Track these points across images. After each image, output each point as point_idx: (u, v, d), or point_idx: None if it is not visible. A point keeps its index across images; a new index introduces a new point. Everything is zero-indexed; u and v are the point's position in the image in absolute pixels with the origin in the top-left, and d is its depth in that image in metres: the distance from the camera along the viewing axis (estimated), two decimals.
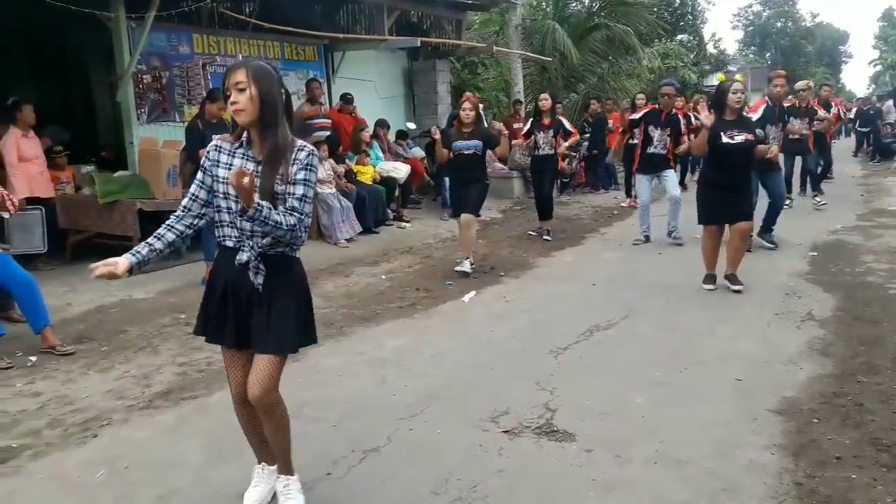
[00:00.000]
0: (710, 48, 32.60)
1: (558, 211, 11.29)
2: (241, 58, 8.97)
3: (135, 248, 2.66)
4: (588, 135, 13.80)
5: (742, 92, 5.94)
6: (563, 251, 8.35)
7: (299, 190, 2.57)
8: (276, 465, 2.93)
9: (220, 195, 2.63)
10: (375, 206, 9.22)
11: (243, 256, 2.59)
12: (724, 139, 5.83)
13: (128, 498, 3.04)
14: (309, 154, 2.60)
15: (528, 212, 11.33)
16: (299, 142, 2.63)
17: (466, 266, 7.04)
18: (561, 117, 9.14)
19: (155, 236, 2.67)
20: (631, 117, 8.59)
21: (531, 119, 9.23)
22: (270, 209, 2.47)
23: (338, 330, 5.35)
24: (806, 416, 3.67)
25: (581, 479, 3.13)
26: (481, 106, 12.91)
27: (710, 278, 6.23)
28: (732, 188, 5.95)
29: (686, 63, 26.00)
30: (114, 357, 4.82)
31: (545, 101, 8.84)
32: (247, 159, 2.60)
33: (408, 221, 9.85)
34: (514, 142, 12.42)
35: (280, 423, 2.78)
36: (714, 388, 4.07)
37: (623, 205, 11.67)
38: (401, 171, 9.94)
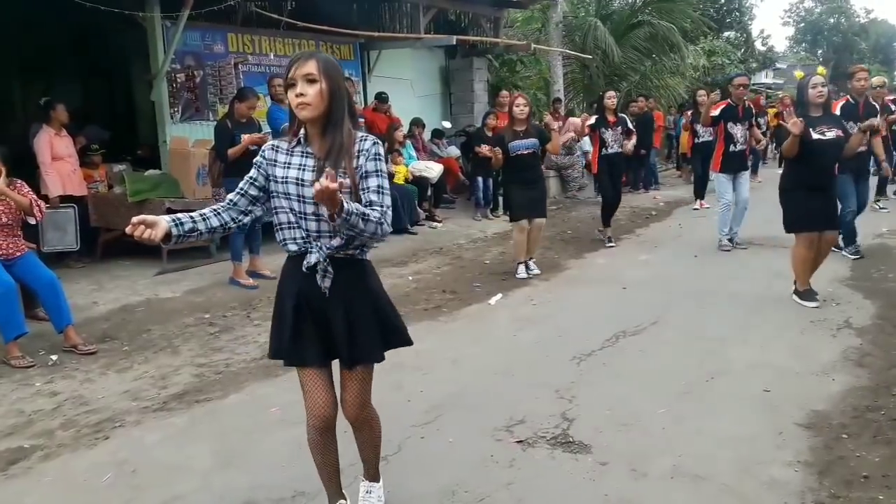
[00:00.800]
0: (759, 45, 31.84)
1: (594, 211, 11.13)
2: (272, 56, 9.02)
3: (178, 216, 2.40)
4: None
5: (822, 85, 5.49)
6: (596, 253, 8.19)
7: (373, 182, 2.39)
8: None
9: (280, 195, 2.45)
10: (407, 206, 9.15)
11: (312, 259, 2.42)
12: (815, 135, 5.41)
13: (131, 503, 3.01)
14: (374, 143, 2.43)
15: (562, 212, 11.21)
16: (360, 133, 2.46)
17: (534, 268, 7.01)
18: (623, 115, 8.84)
19: (200, 215, 2.44)
20: (711, 114, 8.13)
21: (595, 117, 8.90)
22: (357, 209, 2.27)
23: None
24: (835, 430, 3.48)
25: (593, 494, 3.01)
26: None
27: (811, 294, 5.66)
28: (823, 190, 5.52)
29: (733, 60, 25.40)
30: (134, 357, 4.85)
31: (611, 98, 8.55)
32: (306, 156, 2.42)
33: (439, 221, 9.78)
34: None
35: (371, 433, 2.74)
36: (740, 400, 3.90)
37: (695, 207, 11.27)
38: (433, 170, 9.86)
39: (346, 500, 2.78)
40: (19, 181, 5.01)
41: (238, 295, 6.30)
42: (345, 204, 2.21)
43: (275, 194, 2.48)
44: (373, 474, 2.85)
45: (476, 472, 3.21)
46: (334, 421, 2.59)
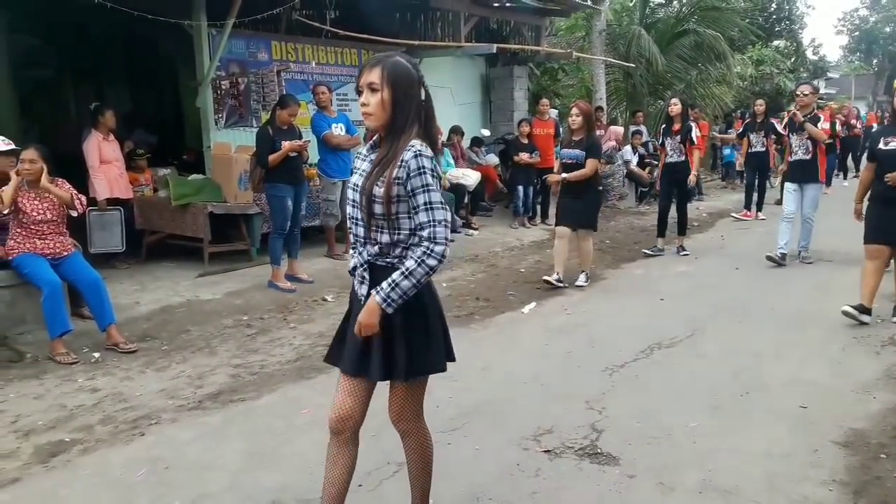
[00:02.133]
0: (810, 54, 31.19)
1: (633, 221, 11.05)
2: (314, 65, 9.15)
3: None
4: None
5: None
6: (634, 263, 8.12)
7: (420, 199, 2.29)
8: None
9: (348, 200, 2.48)
10: None
11: (351, 263, 2.48)
12: (881, 145, 5.42)
13: (163, 499, 3.09)
14: (416, 155, 2.29)
15: (602, 221, 11.00)
16: (412, 142, 2.33)
17: (583, 281, 6.97)
18: (691, 122, 8.61)
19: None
20: (782, 128, 8.04)
21: (662, 126, 8.88)
22: (392, 283, 2.28)
23: None
24: (874, 450, 3.40)
25: None
26: (555, 113, 12.86)
27: (866, 310, 5.44)
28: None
29: (782, 70, 24.92)
30: (172, 356, 4.97)
31: (674, 105, 8.42)
32: (369, 163, 2.42)
33: (476, 229, 9.80)
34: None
35: (416, 450, 2.64)
36: (774, 416, 3.83)
37: (735, 215, 11.20)
38: (470, 177, 9.90)
39: None
40: (59, 179, 5.18)
41: (276, 298, 6.40)
42: (385, 307, 2.29)
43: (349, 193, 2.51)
44: (420, 500, 2.72)
45: (501, 480, 3.22)
46: (349, 431, 2.51)
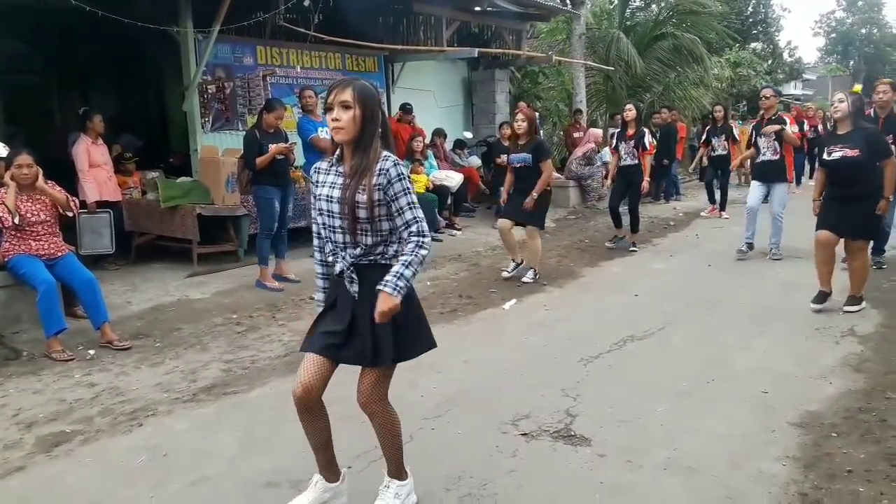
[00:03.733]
0: (786, 56, 31.71)
1: (612, 222, 11.30)
2: (299, 69, 9.34)
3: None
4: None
5: (840, 101, 5.74)
6: (612, 262, 8.36)
7: (403, 201, 2.63)
8: (335, 483, 2.97)
9: (317, 210, 2.77)
10: (427, 214, 9.37)
11: (337, 267, 2.73)
12: (824, 154, 5.80)
13: (164, 483, 3.28)
14: (395, 164, 2.63)
15: (581, 221, 11.39)
16: (383, 153, 2.66)
17: (529, 277, 7.20)
18: (645, 129, 9.07)
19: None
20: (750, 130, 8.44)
21: (617, 131, 9.29)
22: (396, 274, 2.59)
23: None
24: (826, 430, 3.66)
25: (589, 482, 3.22)
26: (537, 116, 13.11)
27: (819, 296, 5.90)
28: (842, 202, 5.72)
29: (759, 72, 25.42)
30: (165, 353, 5.15)
31: (629, 111, 8.90)
32: (337, 175, 2.71)
33: (459, 229, 10.03)
34: (575, 152, 12.58)
35: (383, 428, 2.86)
36: (738, 401, 4.08)
37: (704, 213, 11.62)
38: (453, 179, 10.12)
39: (324, 480, 2.94)
40: (51, 181, 5.35)
41: (264, 297, 6.58)
42: (396, 296, 2.58)
43: (314, 209, 2.80)
44: (393, 471, 2.98)
45: (481, 460, 3.43)
46: (312, 400, 2.76)
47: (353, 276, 2.71)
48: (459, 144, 11.88)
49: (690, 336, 5.34)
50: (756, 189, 8.03)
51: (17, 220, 5.03)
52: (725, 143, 11.32)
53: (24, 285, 5.17)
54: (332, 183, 2.72)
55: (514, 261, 7.34)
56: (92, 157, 7.26)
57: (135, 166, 8.29)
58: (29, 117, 10.46)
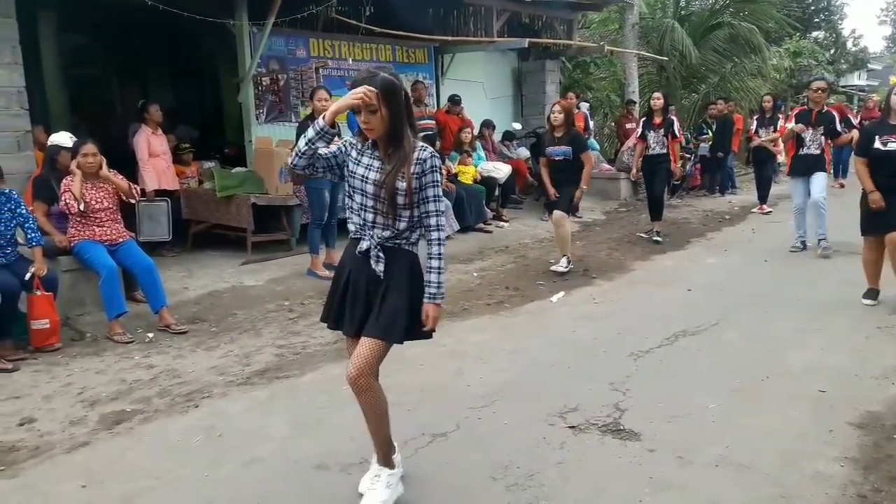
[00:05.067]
0: (849, 45, 30.68)
1: (666, 214, 11.13)
2: (350, 61, 9.42)
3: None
4: (706, 136, 13.48)
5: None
6: (664, 255, 8.24)
7: (430, 192, 2.78)
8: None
9: (350, 188, 2.85)
10: (474, 206, 9.41)
11: (364, 245, 2.83)
12: (877, 143, 5.65)
13: (217, 462, 3.38)
14: (430, 156, 2.77)
15: (632, 214, 11.24)
16: (419, 144, 2.80)
17: (562, 265, 7.15)
18: (673, 117, 9.09)
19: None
20: (786, 125, 8.27)
21: (643, 119, 9.27)
22: (438, 285, 2.81)
23: None
24: (887, 431, 3.56)
25: (638, 477, 3.19)
26: (587, 106, 13.02)
27: (870, 293, 5.91)
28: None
29: (820, 62, 24.64)
30: (220, 337, 5.28)
31: (657, 100, 8.95)
32: (373, 158, 2.80)
33: (506, 221, 10.00)
34: (627, 143, 12.42)
35: (371, 408, 2.87)
36: (793, 399, 3.99)
37: (754, 210, 11.31)
38: (501, 171, 10.09)
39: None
40: (113, 170, 5.54)
41: (315, 285, 6.69)
42: (442, 300, 2.83)
43: (347, 182, 2.89)
44: (382, 458, 2.99)
45: (528, 451, 3.44)
46: (365, 380, 2.83)
47: (380, 254, 2.81)
48: (508, 136, 11.83)
49: (744, 332, 5.24)
50: (800, 185, 7.87)
51: (82, 207, 5.21)
52: (772, 134, 11.00)
53: (88, 270, 5.36)
54: (367, 165, 2.81)
55: (565, 256, 7.27)
56: (151, 146, 7.46)
57: (192, 156, 8.47)
58: (91, 109, 10.81)
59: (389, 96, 2.69)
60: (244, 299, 6.26)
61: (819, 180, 7.72)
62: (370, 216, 2.81)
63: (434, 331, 2.92)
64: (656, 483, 3.14)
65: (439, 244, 2.81)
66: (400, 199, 2.75)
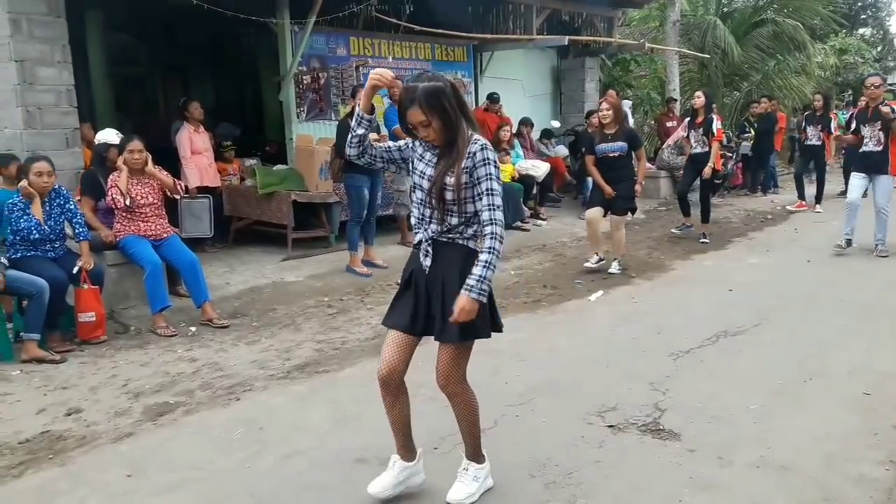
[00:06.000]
0: None
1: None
2: (391, 59, 9.47)
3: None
4: (748, 134, 13.27)
5: None
6: (704, 255, 8.14)
7: (484, 186, 2.70)
8: (412, 462, 3.03)
9: (413, 183, 2.86)
10: (512, 204, 9.38)
11: (416, 237, 2.87)
12: None
13: (258, 454, 3.44)
14: (482, 148, 2.71)
15: (673, 213, 11.08)
16: (474, 136, 2.75)
17: (615, 267, 7.13)
18: (713, 115, 9.01)
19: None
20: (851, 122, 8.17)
21: (687, 119, 9.23)
22: (479, 278, 2.68)
23: None
24: None
25: (677, 477, 3.17)
26: (629, 104, 12.89)
27: None
28: None
29: (867, 59, 24.04)
30: (261, 332, 5.36)
31: (698, 98, 8.96)
32: (434, 154, 2.79)
33: (544, 219, 9.96)
34: (668, 141, 12.28)
35: (462, 411, 2.92)
36: (836, 401, 3.92)
37: (790, 207, 11.19)
38: (539, 169, 10.05)
39: (401, 459, 3.00)
40: (158, 166, 5.66)
41: (354, 281, 6.75)
42: (479, 299, 2.68)
43: (411, 177, 2.90)
44: (471, 454, 3.03)
45: (566, 449, 3.43)
46: (396, 381, 2.86)
47: (429, 249, 2.81)
48: (546, 134, 11.78)
49: (787, 333, 5.16)
50: (857, 182, 7.66)
51: (128, 202, 5.33)
52: (821, 133, 11.04)
53: (133, 264, 5.48)
54: (428, 160, 2.82)
55: (597, 254, 7.25)
56: (194, 144, 7.59)
57: (234, 154, 8.60)
58: (135, 107, 11.05)
59: (434, 104, 2.65)
60: (284, 295, 6.34)
61: (883, 185, 7.52)
62: (427, 211, 2.81)
63: (500, 327, 2.94)
64: (696, 483, 3.11)
65: (492, 238, 2.70)
66: (448, 195, 2.71)
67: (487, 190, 2.71)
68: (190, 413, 3.93)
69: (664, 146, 12.42)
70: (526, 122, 11.23)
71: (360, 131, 2.84)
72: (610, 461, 3.32)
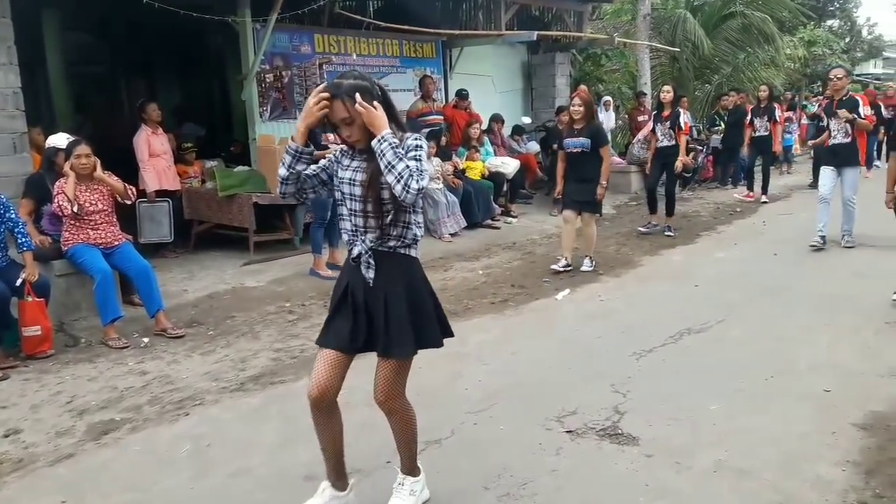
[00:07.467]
0: (865, 34, 30.17)
1: (676, 207, 10.99)
2: (354, 57, 9.33)
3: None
4: (719, 127, 13.30)
5: None
6: (673, 250, 8.10)
7: (412, 162, 2.53)
8: (343, 492, 2.91)
9: (341, 196, 2.73)
10: (482, 202, 9.30)
11: (355, 250, 2.70)
12: None
13: (204, 473, 3.31)
14: (416, 138, 2.61)
15: (643, 207, 11.04)
16: (406, 133, 2.65)
17: (587, 265, 7.05)
18: (680, 109, 9.01)
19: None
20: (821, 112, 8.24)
21: (654, 112, 9.20)
22: (392, 146, 2.50)
23: None
24: (891, 432, 3.45)
25: (633, 484, 3.10)
26: (610, 100, 12.89)
27: None
28: None
29: (835, 51, 24.25)
30: (217, 341, 5.22)
31: (666, 93, 8.91)
32: (361, 161, 2.66)
33: (515, 217, 9.88)
34: (637, 136, 12.25)
35: (400, 427, 2.83)
36: (797, 399, 3.88)
37: (737, 196, 11.48)
38: (509, 166, 9.97)
39: (332, 488, 2.88)
40: (107, 171, 5.46)
41: (317, 285, 6.62)
42: (388, 134, 2.51)
43: (337, 191, 2.75)
44: (407, 468, 2.94)
45: (523, 458, 3.35)
46: (328, 401, 2.73)
47: (371, 261, 2.67)
48: (518, 130, 11.70)
49: (751, 329, 5.12)
50: (828, 175, 7.64)
51: (76, 209, 5.15)
52: (767, 123, 11.24)
53: (83, 274, 5.31)
54: (355, 168, 2.68)
55: (565, 258, 7.09)
56: (152, 146, 7.40)
57: (194, 155, 8.41)
58: (98, 108, 10.81)
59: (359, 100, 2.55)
60: (244, 301, 6.20)
61: (851, 177, 7.52)
62: (360, 220, 2.68)
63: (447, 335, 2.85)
64: (652, 491, 3.04)
65: (412, 175, 2.50)
66: (385, 194, 2.60)
67: (415, 157, 2.55)
68: (136, 430, 3.79)
69: (634, 140, 12.46)
70: (497, 119, 11.15)
71: (300, 168, 2.68)
72: (566, 470, 3.24)
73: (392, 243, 2.69)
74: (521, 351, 4.87)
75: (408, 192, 2.51)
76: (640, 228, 9.13)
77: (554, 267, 7.06)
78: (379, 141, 2.53)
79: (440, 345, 2.82)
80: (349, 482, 2.95)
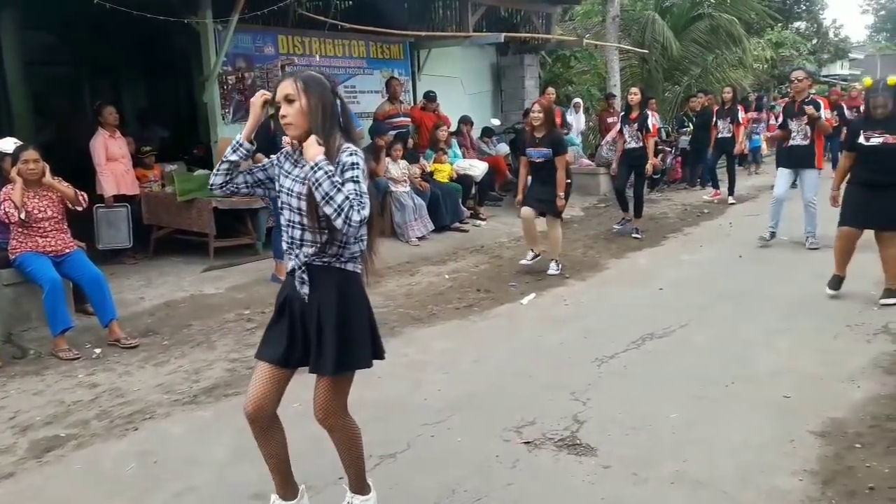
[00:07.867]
0: (831, 35, 30.61)
1: (644, 209, 11.01)
2: (317, 59, 9.21)
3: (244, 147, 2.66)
4: (687, 129, 13.36)
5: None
6: (639, 252, 8.10)
7: (347, 175, 2.42)
8: (293, 500, 2.84)
9: (280, 203, 2.64)
10: (450, 205, 9.23)
11: (290, 264, 2.64)
12: (861, 139, 5.58)
13: (148, 492, 3.19)
14: (350, 153, 2.46)
15: (612, 209, 11.06)
16: (345, 145, 2.51)
17: (553, 268, 7.01)
18: (648, 111, 9.02)
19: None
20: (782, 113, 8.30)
21: (622, 114, 9.20)
22: (326, 174, 2.38)
23: (389, 330, 5.35)
24: (849, 440, 3.42)
25: (589, 497, 3.05)
26: (580, 102, 12.89)
27: (834, 281, 5.86)
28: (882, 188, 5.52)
29: (802, 52, 24.55)
30: (172, 351, 5.08)
31: (634, 95, 8.92)
32: (300, 167, 2.56)
33: (483, 219, 9.82)
34: (606, 138, 12.27)
35: (344, 444, 2.75)
36: (757, 406, 3.86)
37: (706, 198, 11.59)
38: (477, 168, 9.91)
39: (282, 500, 2.82)
40: (58, 177, 5.27)
41: (278, 291, 6.48)
42: (323, 161, 2.39)
43: (278, 197, 2.66)
44: (356, 486, 2.85)
45: (478, 471, 3.28)
46: (265, 417, 2.67)
47: (304, 276, 2.58)
48: (487, 132, 11.65)
49: (713, 333, 5.11)
50: (784, 177, 7.73)
51: (23, 216, 4.98)
52: (730, 125, 11.44)
53: (32, 283, 5.14)
54: (295, 176, 2.58)
55: (532, 251, 7.13)
56: (109, 150, 7.21)
57: (154, 159, 8.23)
58: (60, 110, 10.55)
59: (309, 87, 2.48)
60: (202, 309, 6.06)
61: (810, 178, 7.56)
62: (297, 233, 2.57)
63: (382, 354, 2.77)
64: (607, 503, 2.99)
65: (352, 208, 2.37)
66: (321, 211, 2.45)
67: (352, 179, 2.42)
68: (81, 447, 3.65)
69: (602, 142, 12.48)
70: (466, 121, 11.08)
71: (234, 158, 2.63)
72: (521, 483, 3.18)
73: (327, 259, 2.58)
74: (483, 359, 4.81)
75: (349, 225, 2.40)
76: (615, 226, 9.19)
77: (523, 262, 7.03)
78: (313, 169, 2.41)
79: (369, 365, 2.71)
80: (298, 489, 2.86)
